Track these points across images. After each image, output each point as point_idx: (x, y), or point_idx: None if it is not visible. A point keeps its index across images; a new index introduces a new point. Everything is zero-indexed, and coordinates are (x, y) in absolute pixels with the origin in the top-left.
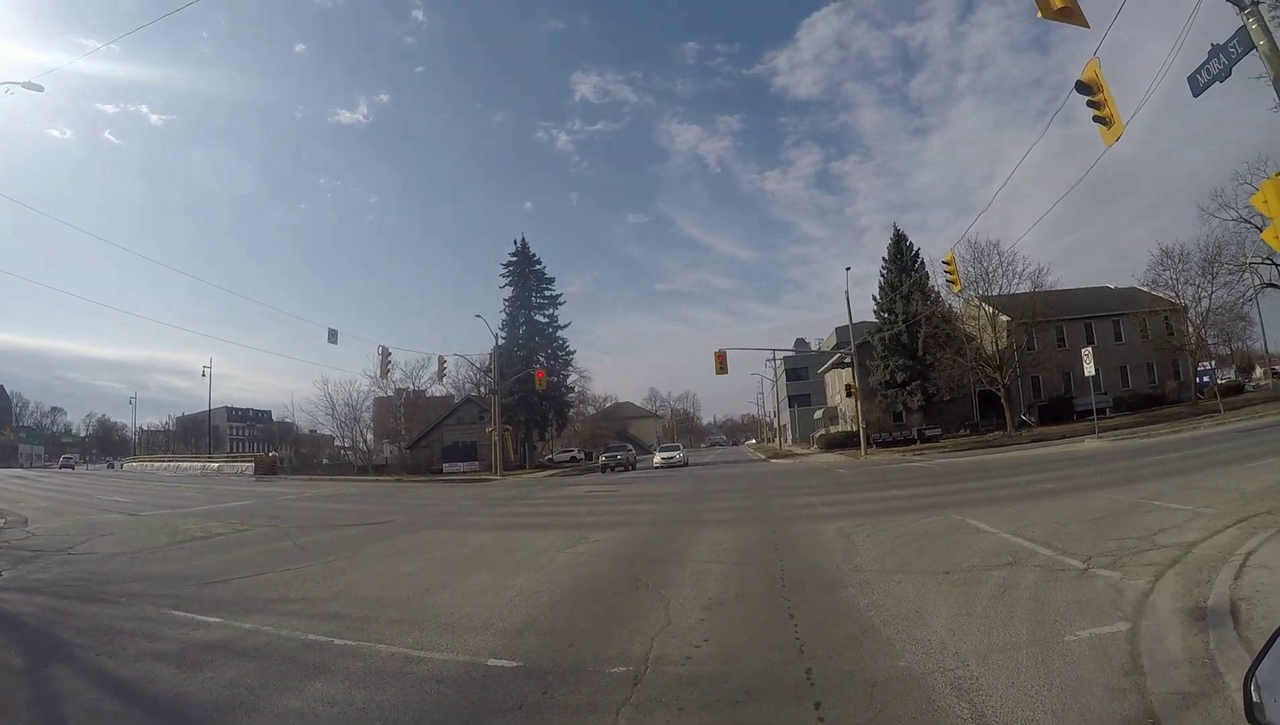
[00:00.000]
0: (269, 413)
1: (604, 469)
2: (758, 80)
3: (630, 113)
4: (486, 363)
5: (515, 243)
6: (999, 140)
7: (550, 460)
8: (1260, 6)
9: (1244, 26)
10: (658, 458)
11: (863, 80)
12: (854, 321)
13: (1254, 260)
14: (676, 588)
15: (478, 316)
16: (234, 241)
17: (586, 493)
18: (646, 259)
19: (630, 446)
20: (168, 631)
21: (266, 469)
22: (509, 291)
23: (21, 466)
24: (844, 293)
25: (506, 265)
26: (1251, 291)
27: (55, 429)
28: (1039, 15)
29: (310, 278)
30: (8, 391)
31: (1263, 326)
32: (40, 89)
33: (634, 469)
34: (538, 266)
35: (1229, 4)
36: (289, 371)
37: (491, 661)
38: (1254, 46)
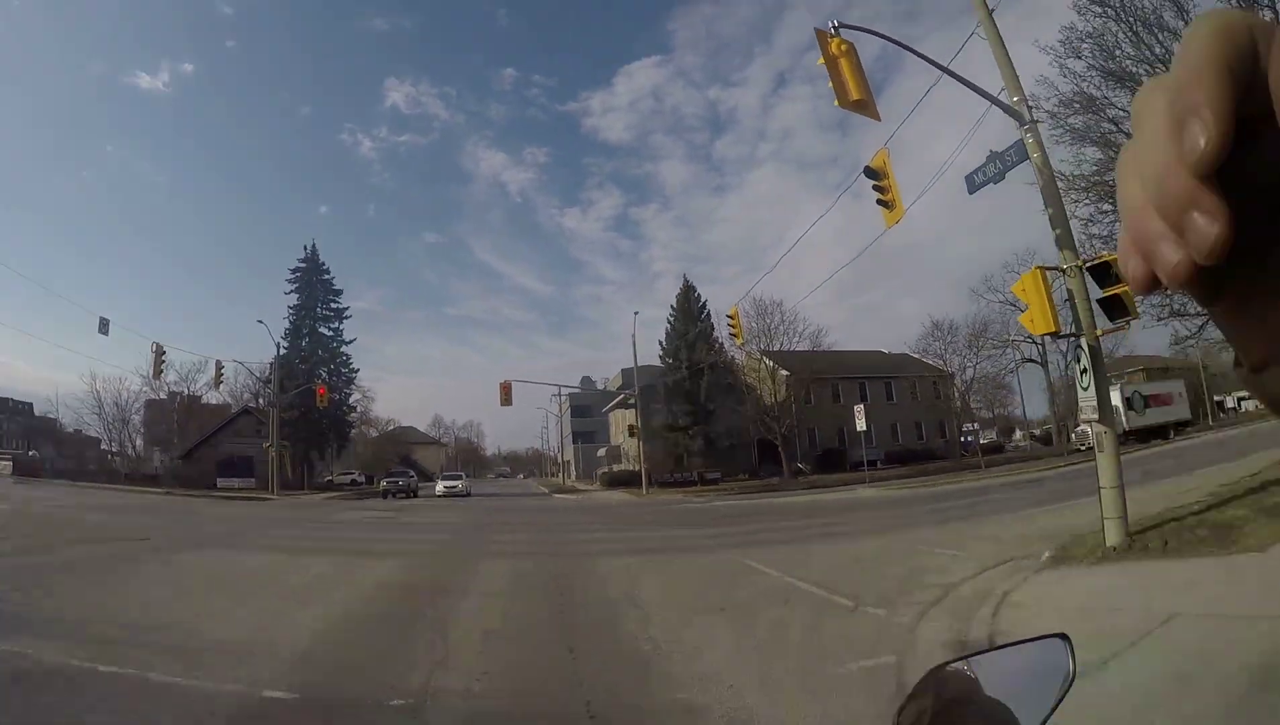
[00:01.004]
0: (30, 405)
1: (385, 494)
2: (570, 117)
3: (439, 129)
4: (267, 372)
5: (305, 248)
6: (793, 206)
7: (330, 482)
8: (1039, 125)
9: (1021, 140)
10: (440, 486)
11: (672, 134)
12: (640, 364)
13: (1015, 338)
14: (458, 620)
15: (260, 322)
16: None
17: (367, 518)
18: (440, 281)
19: (413, 473)
20: None
21: (27, 470)
22: (294, 298)
23: None
24: (632, 335)
25: (294, 271)
26: (1014, 364)
27: None
28: (836, 104)
29: (84, 256)
30: None
31: (1021, 396)
32: None
33: (416, 496)
34: (327, 276)
35: (1012, 118)
36: (53, 359)
37: (267, 692)
38: (1028, 157)
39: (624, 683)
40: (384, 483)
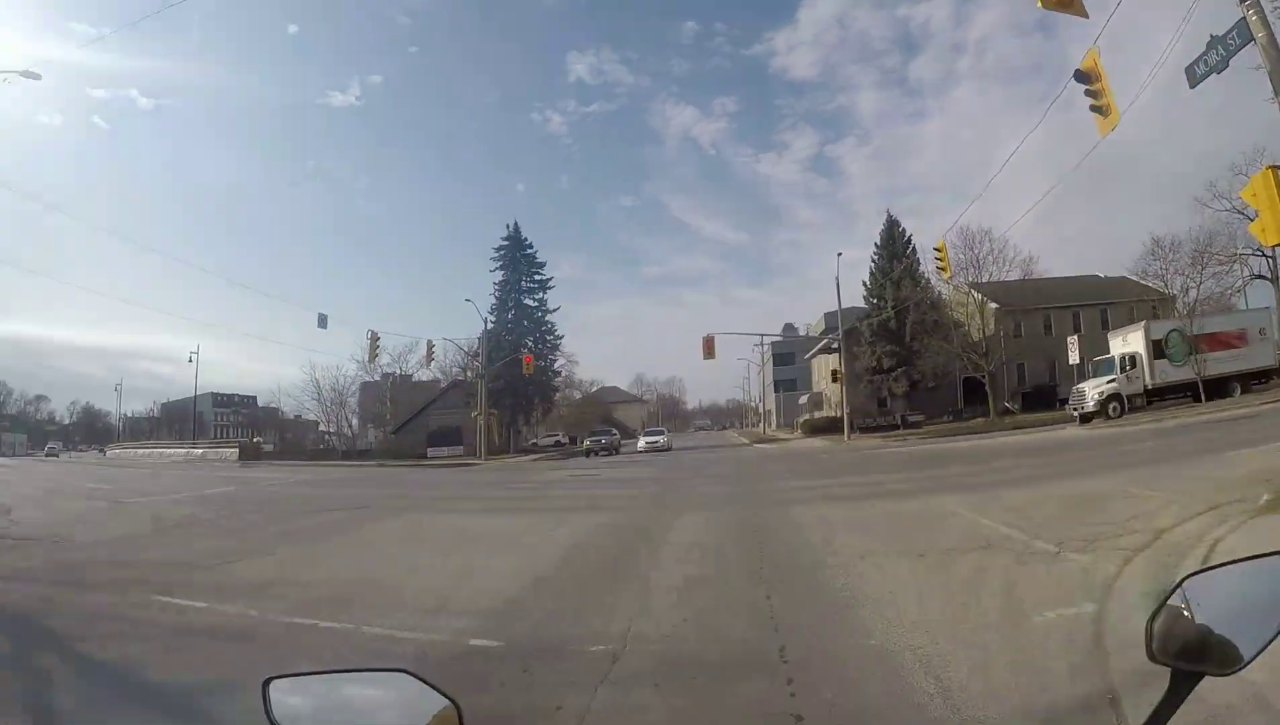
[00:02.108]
0: (254, 398)
1: (588, 453)
2: (755, 61)
3: (625, 94)
4: (474, 347)
5: (507, 227)
6: (998, 125)
7: (535, 445)
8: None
9: (1243, 19)
10: (642, 442)
11: (861, 62)
12: (843, 307)
13: (1245, 251)
14: (657, 569)
15: (467, 300)
16: (222, 225)
17: (570, 477)
18: (636, 242)
19: (615, 431)
20: (154, 616)
21: (251, 455)
22: (499, 275)
23: (4, 455)
24: (835, 278)
25: (498, 249)
26: (1240, 283)
27: (39, 417)
28: (1040, 4)
29: (299, 261)
30: None
31: None
32: (38, 77)
33: (618, 453)
34: (529, 251)
35: None
36: (275, 356)
37: (473, 641)
38: (1253, 39)
39: (818, 628)
40: (587, 442)
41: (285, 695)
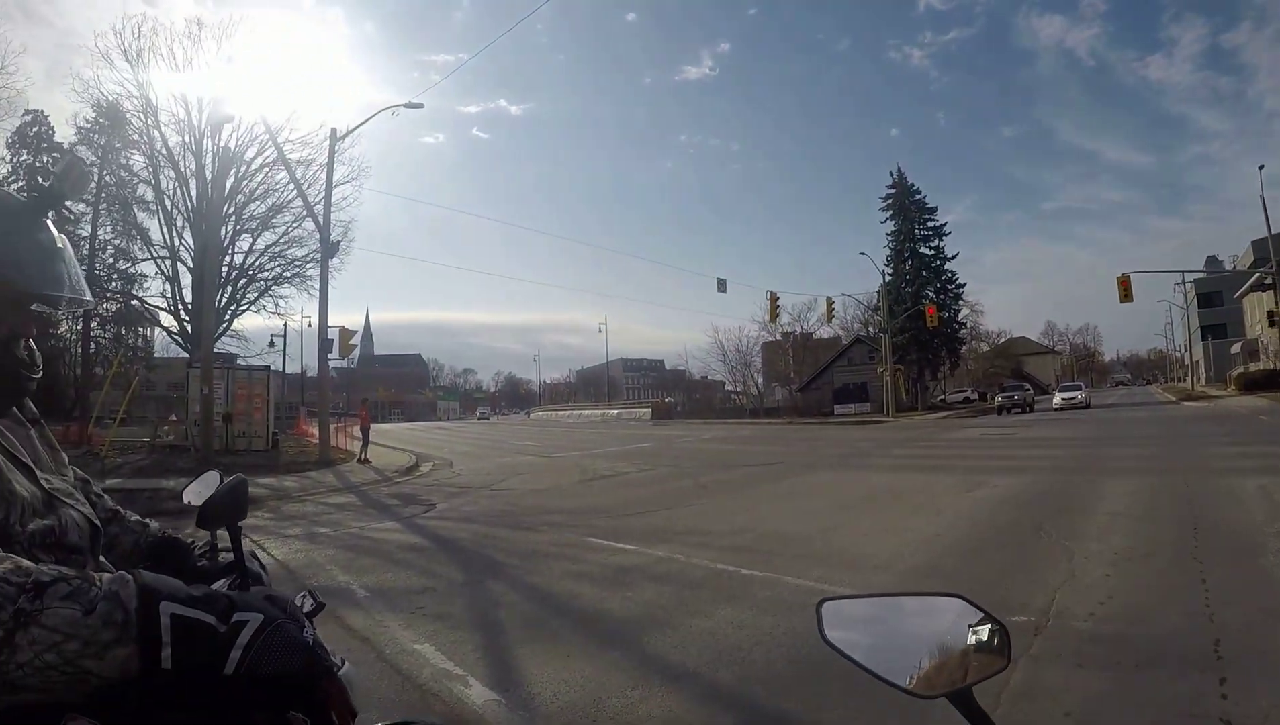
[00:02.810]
0: (661, 362)
1: (1000, 411)
2: None
3: (983, 13)
4: (874, 301)
5: (891, 174)
6: None
7: (943, 401)
8: None
9: None
10: (1057, 398)
11: None
12: (1274, 232)
13: None
14: (1080, 539)
15: (862, 254)
16: (612, 206)
17: (982, 436)
18: (1028, 175)
19: (1027, 386)
20: (587, 556)
21: (662, 414)
22: (890, 226)
23: (440, 420)
24: (1259, 197)
25: (884, 198)
26: None
27: (467, 387)
28: None
29: (688, 231)
30: (424, 358)
31: None
32: (421, 105)
33: (1031, 411)
34: (918, 196)
35: None
36: (679, 321)
37: None
38: None
39: (1259, 624)
40: (998, 398)
41: (836, 615)
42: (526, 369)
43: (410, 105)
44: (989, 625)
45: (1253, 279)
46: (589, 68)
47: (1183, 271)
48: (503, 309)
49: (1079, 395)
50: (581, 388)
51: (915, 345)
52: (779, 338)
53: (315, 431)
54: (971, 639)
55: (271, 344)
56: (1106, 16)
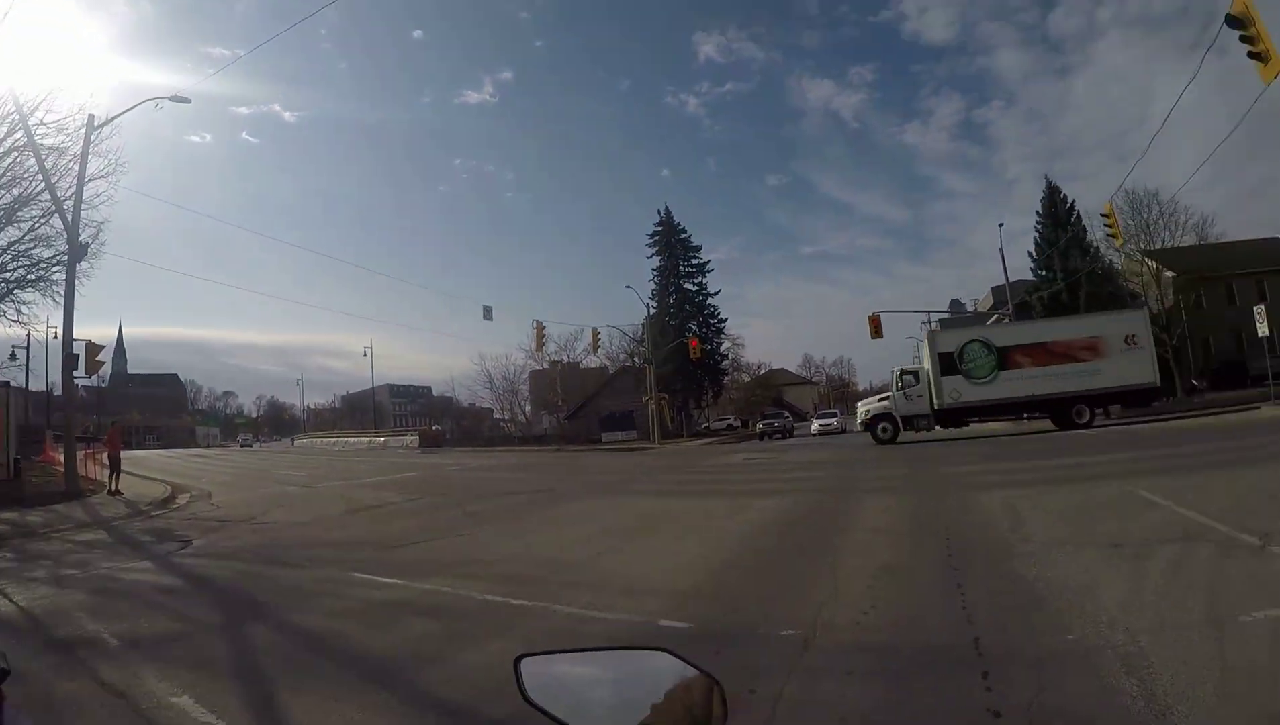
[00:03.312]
0: (429, 388)
1: (761, 436)
2: (886, 27)
3: (759, 71)
4: (639, 332)
5: (659, 212)
6: (1150, 78)
7: (707, 428)
8: None
9: None
10: (815, 424)
11: (998, 18)
12: (1010, 280)
13: None
14: (842, 554)
15: (628, 287)
16: (382, 227)
17: (746, 460)
18: (790, 221)
19: (787, 413)
20: (352, 592)
21: (430, 442)
22: (656, 261)
23: (200, 447)
24: (998, 250)
25: (651, 235)
26: None
27: (228, 411)
28: None
29: (459, 257)
30: (182, 379)
31: None
32: (187, 101)
33: (791, 436)
34: (683, 235)
35: None
36: (447, 347)
37: (663, 622)
38: None
39: (1012, 621)
40: (760, 425)
41: (538, 672)
42: (289, 393)
43: (176, 99)
44: (700, 679)
45: (991, 319)
46: (370, 80)
47: (928, 311)
48: (265, 328)
49: (834, 421)
50: (347, 414)
51: (680, 375)
52: (546, 366)
53: (63, 458)
54: (682, 695)
55: (13, 357)
56: (873, 85)
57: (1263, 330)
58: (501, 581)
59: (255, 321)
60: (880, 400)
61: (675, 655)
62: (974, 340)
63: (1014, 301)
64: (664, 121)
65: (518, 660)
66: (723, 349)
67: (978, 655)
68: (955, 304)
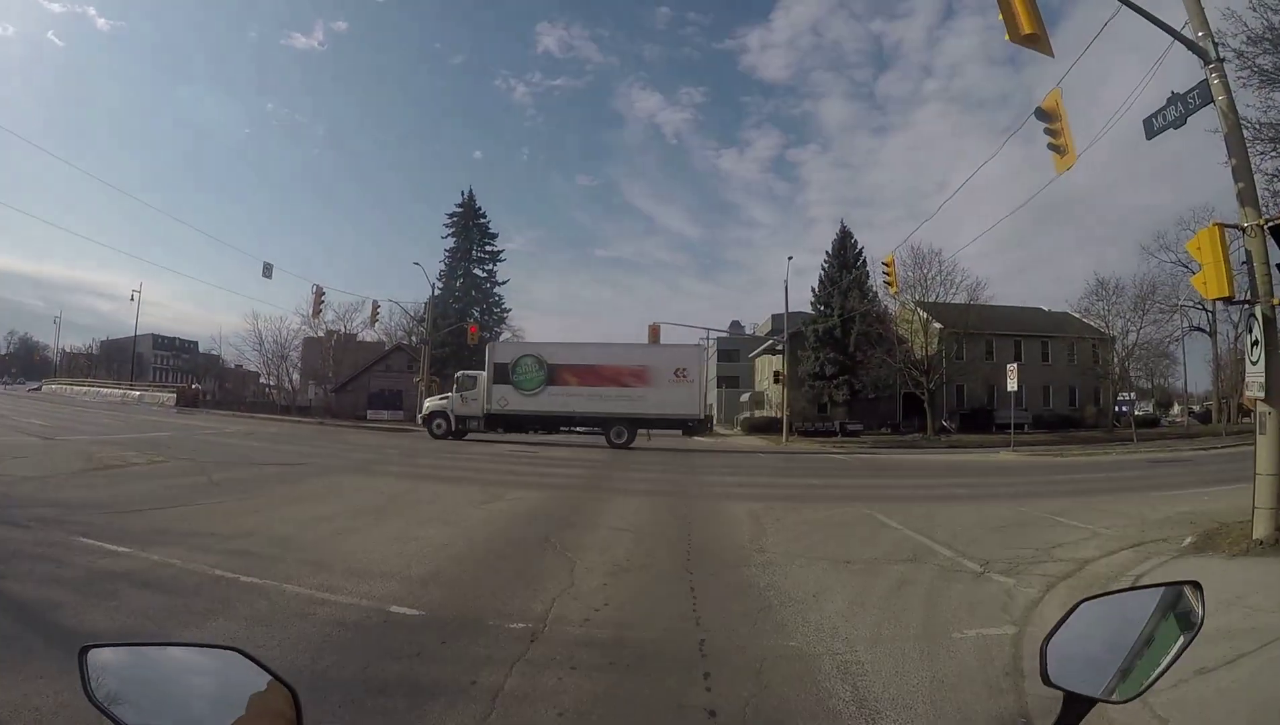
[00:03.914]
0: (196, 343)
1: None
2: (726, 56)
3: (593, 72)
4: (421, 312)
5: (462, 194)
6: (959, 149)
7: None
8: (1225, 65)
9: (1206, 80)
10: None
11: (832, 70)
12: (791, 311)
13: (1185, 304)
14: (584, 551)
15: (416, 264)
16: (173, 161)
17: (509, 452)
18: (592, 223)
19: None
20: (75, 558)
21: (188, 401)
22: (450, 242)
23: None
24: (784, 281)
25: (451, 216)
26: (1179, 332)
27: None
28: (1007, 38)
29: (250, 206)
30: None
31: (1185, 367)
32: None
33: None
34: (482, 220)
35: (1195, 56)
36: (220, 302)
37: (394, 608)
38: (1213, 100)
39: (739, 625)
40: None
41: (105, 665)
42: (47, 331)
43: None
44: (273, 684)
45: (766, 343)
46: (194, 3)
47: (708, 329)
48: (27, 255)
49: None
50: (105, 361)
51: (455, 360)
52: (321, 335)
53: None
54: (255, 700)
55: None
56: (700, 107)
57: (1012, 385)
58: (236, 556)
59: (18, 244)
60: (440, 399)
61: (247, 656)
62: (528, 355)
63: (790, 330)
64: (488, 103)
65: (83, 651)
66: (502, 339)
67: (702, 656)
68: (735, 325)
